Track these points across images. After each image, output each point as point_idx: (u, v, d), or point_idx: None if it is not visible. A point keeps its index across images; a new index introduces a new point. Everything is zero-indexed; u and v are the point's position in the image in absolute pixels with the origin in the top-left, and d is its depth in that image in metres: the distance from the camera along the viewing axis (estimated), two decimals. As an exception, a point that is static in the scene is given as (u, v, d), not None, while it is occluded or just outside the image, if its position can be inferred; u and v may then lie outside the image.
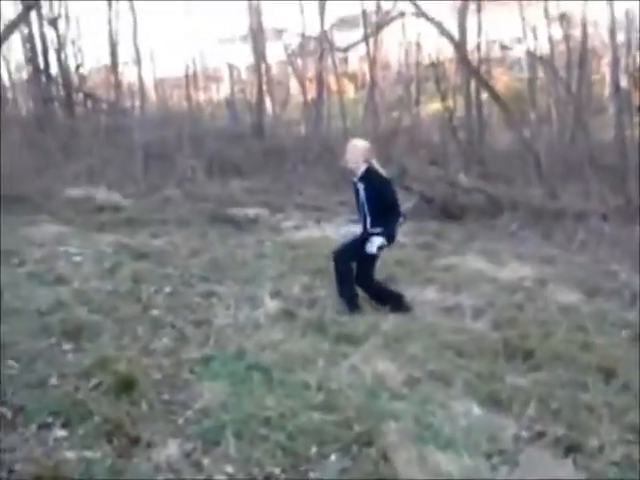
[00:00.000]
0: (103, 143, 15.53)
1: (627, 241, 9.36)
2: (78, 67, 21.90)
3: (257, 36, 22.45)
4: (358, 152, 6.00)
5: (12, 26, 16.55)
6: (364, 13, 22.83)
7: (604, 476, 3.46)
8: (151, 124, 18.02)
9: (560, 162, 15.09)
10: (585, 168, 13.64)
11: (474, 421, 3.84)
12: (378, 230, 5.84)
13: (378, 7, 22.64)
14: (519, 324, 5.68)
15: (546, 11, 20.89)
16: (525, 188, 13.26)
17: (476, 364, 4.73)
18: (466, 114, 19.49)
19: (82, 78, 22.41)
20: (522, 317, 5.92)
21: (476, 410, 4.01)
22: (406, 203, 11.52)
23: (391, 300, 6.01)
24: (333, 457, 3.35)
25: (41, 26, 19.88)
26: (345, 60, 30.21)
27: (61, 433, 3.51)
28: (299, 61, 26.88)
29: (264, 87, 22.69)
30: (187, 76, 26.23)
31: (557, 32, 21.96)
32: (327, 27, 23.64)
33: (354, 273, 5.97)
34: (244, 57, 27.54)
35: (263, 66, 22.96)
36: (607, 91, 24.59)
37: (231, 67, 29.04)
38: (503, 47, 30.28)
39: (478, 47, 20.14)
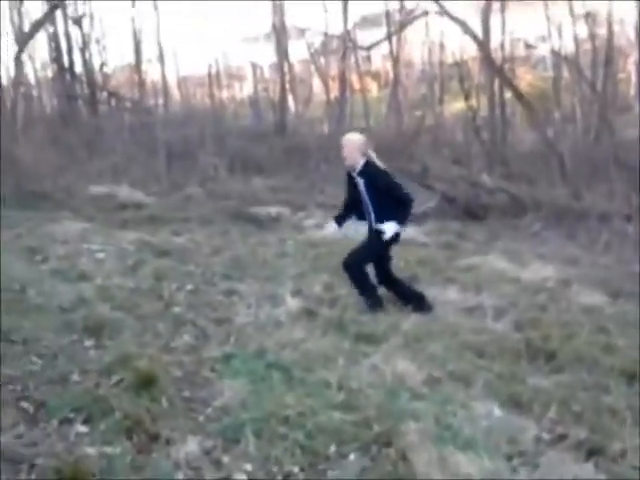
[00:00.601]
0: (126, 141, 15.63)
1: (651, 242, 9.23)
2: (102, 66, 22.08)
3: (280, 35, 22.47)
4: (354, 146, 5.87)
5: (38, 25, 16.72)
6: (387, 12, 22.78)
7: (626, 480, 3.42)
8: (174, 122, 18.11)
9: (584, 162, 14.92)
10: (610, 168, 13.48)
11: (495, 422, 3.81)
12: (385, 226, 5.72)
13: (401, 6, 22.59)
14: (541, 325, 5.62)
15: (571, 9, 20.74)
16: (549, 188, 13.14)
17: (497, 365, 4.70)
18: (489, 113, 19.37)
19: (106, 76, 22.59)
20: (544, 318, 5.86)
21: (497, 411, 3.97)
22: (427, 202, 11.50)
23: (413, 299, 5.94)
24: (352, 456, 3.34)
25: (66, 25, 20.08)
26: (368, 59, 30.13)
27: (82, 429, 3.53)
28: (322, 60, 26.87)
29: (287, 86, 22.72)
30: (210, 75, 26.35)
31: (582, 30, 21.79)
32: (350, 26, 23.64)
33: (369, 276, 5.90)
34: (267, 56, 27.62)
35: (286, 65, 22.99)
36: (633, 90, 24.34)
37: (254, 66, 29.14)
38: (528, 46, 30.05)
39: (502, 46, 20.02)
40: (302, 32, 27.40)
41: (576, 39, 21.41)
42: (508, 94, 18.14)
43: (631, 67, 25.47)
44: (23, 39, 18.08)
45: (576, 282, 7.31)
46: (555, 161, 13.79)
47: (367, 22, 29.20)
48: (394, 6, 23.03)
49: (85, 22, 20.70)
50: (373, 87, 31.66)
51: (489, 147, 17.48)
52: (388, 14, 22.76)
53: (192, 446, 3.38)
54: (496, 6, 19.44)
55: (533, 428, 3.78)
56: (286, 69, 22.94)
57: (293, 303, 5.63)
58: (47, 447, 3.37)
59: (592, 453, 3.57)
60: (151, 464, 3.23)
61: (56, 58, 20.07)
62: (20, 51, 15.97)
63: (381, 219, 5.75)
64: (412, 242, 8.86)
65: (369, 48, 24.14)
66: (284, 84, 22.36)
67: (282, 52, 22.71)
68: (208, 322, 5.04)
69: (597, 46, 21.17)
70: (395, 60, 22.83)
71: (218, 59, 29.97)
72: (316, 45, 27.43)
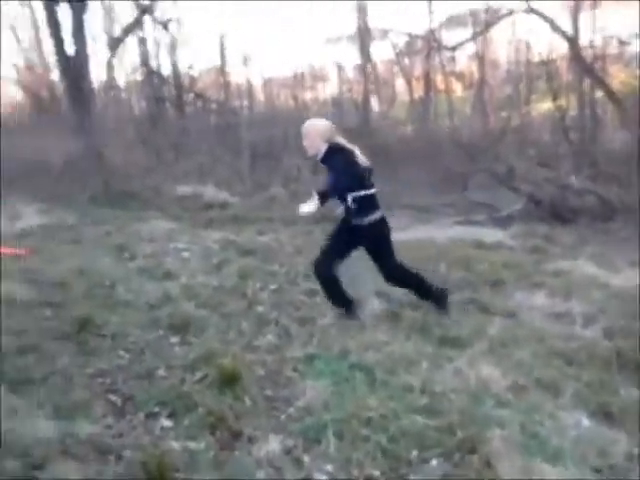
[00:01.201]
0: (212, 142, 15.89)
1: None
2: (189, 68, 22.54)
3: (364, 36, 22.44)
4: (314, 133, 5.25)
5: (128, 30, 17.23)
6: (473, 11, 22.46)
7: None
8: (258, 123, 18.30)
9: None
10: None
11: (583, 433, 3.67)
12: (365, 217, 5.21)
13: (487, 5, 22.23)
14: (633, 334, 5.40)
15: (667, 5, 19.92)
16: (641, 191, 12.65)
17: (586, 373, 4.52)
18: (579, 113, 18.81)
19: (192, 79, 23.02)
20: (636, 326, 5.63)
21: (585, 422, 3.83)
22: (514, 205, 11.25)
23: (431, 295, 5.52)
24: (434, 462, 3.28)
25: (154, 29, 20.62)
26: (453, 59, 29.74)
27: (167, 423, 3.62)
28: (406, 60, 26.69)
29: (370, 86, 22.66)
30: (294, 76, 26.55)
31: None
32: (435, 26, 23.39)
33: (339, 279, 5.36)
34: (351, 56, 27.64)
35: (369, 65, 22.94)
36: None
37: (338, 66, 29.18)
38: (621, 42, 29.03)
39: (592, 43, 19.42)
40: (385, 33, 27.27)
41: (672, 35, 20.55)
42: (598, 93, 17.60)
43: None
44: (114, 44, 18.66)
45: (670, 291, 7.00)
46: (648, 163, 13.26)
47: (452, 22, 28.81)
48: (480, 5, 22.72)
49: (172, 26, 21.21)
50: (458, 87, 31.24)
51: (578, 148, 16.95)
52: (474, 13, 22.44)
53: (273, 445, 3.41)
54: (586, 3, 18.88)
55: (624, 441, 3.61)
56: (370, 69, 22.89)
57: (376, 305, 5.58)
58: (133, 439, 3.46)
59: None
60: (233, 461, 3.27)
61: (145, 61, 20.63)
62: (111, 56, 16.50)
63: (359, 207, 5.19)
64: (498, 245, 8.68)
65: (454, 48, 23.83)
66: (367, 84, 22.32)
67: (366, 53, 22.66)
68: (291, 322, 5.06)
69: (694, 43, 20.29)
70: (480, 60, 22.49)
71: (302, 60, 30.22)
72: (400, 45, 27.26)
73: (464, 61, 32.06)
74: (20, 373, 4.13)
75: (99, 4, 19.04)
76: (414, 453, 3.33)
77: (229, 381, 3.90)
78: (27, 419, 3.56)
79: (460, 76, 31.34)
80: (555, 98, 17.95)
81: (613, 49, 26.69)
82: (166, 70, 21.40)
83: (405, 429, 3.49)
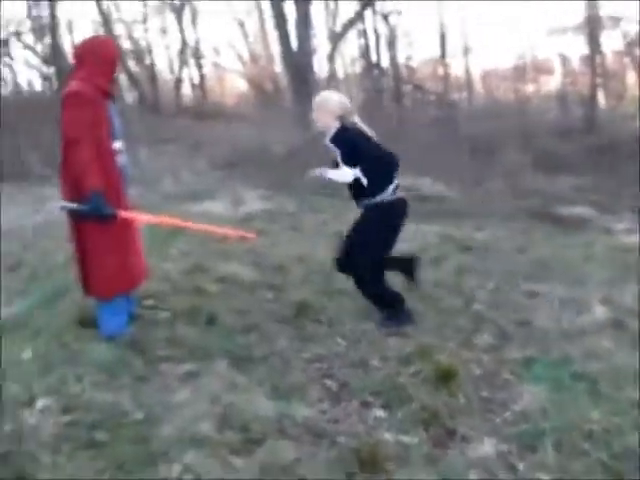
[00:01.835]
0: (430, 134, 15.82)
1: None
2: (408, 60, 22.62)
3: (593, 24, 21.23)
4: (325, 108, 4.76)
5: (350, 24, 17.61)
6: None
7: None
8: (477, 116, 17.98)
9: None
10: None
11: None
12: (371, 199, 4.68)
13: None
14: None
15: None
16: None
17: None
18: None
19: (411, 70, 23.09)
20: None
21: None
22: None
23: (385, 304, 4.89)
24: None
25: (374, 22, 20.90)
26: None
27: (380, 413, 3.64)
28: (637, 51, 24.91)
29: (598, 79, 21.42)
30: (516, 68, 25.76)
31: None
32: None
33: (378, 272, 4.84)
34: (576, 47, 26.32)
35: (598, 57, 21.68)
36: None
37: (562, 58, 27.92)
38: None
39: None
40: (617, 21, 25.62)
41: None
42: None
43: None
44: (335, 37, 19.16)
45: None
46: None
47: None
48: None
49: (393, 18, 21.37)
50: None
51: None
52: None
53: (487, 447, 3.34)
54: None
55: None
56: (598, 61, 21.63)
57: (600, 311, 5.24)
58: (348, 426, 3.52)
59: None
60: (445, 459, 3.24)
61: (364, 54, 20.99)
62: (333, 49, 16.93)
63: (367, 193, 4.67)
64: None
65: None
66: (595, 77, 21.11)
67: (595, 43, 21.44)
68: (509, 322, 4.89)
69: None
70: None
71: (524, 52, 29.25)
72: (632, 35, 25.49)
73: None
74: (242, 351, 4.36)
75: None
76: (637, 475, 3.09)
77: (444, 377, 3.86)
78: (247, 395, 3.74)
79: None
80: None
81: None
82: (385, 62, 21.65)
83: (630, 447, 3.26)
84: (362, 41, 21.20)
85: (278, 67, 23.91)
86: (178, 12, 24.15)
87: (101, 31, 22.12)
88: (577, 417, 3.49)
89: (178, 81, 26.76)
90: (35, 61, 20.14)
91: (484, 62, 30.64)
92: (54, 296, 5.21)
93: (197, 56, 26.78)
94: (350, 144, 4.62)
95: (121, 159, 4.41)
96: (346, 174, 4.60)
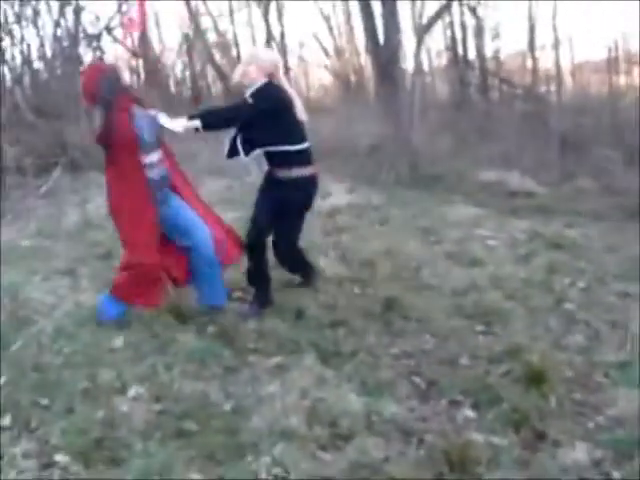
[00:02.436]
0: (517, 128, 15.48)
1: None
2: (495, 52, 22.19)
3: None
4: (256, 63, 4.50)
5: (436, 16, 17.37)
6: None
7: None
8: (567, 110, 17.45)
9: None
10: None
11: None
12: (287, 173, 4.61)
13: None
14: None
15: None
16: None
17: None
18: None
19: (499, 63, 22.64)
20: None
21: None
22: None
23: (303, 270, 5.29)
24: None
25: (461, 14, 20.58)
26: None
27: (470, 413, 3.62)
28: None
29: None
30: (608, 60, 24.89)
31: None
32: None
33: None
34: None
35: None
36: None
37: (658, 49, 26.82)
38: None
39: None
40: None
41: None
42: None
43: None
44: (422, 30, 18.96)
45: None
46: None
47: None
48: None
49: (481, 10, 20.96)
50: None
51: None
52: None
53: (580, 453, 3.26)
54: None
55: None
56: (699, 52, 20.70)
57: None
58: (436, 425, 3.51)
59: None
60: (536, 462, 3.19)
61: (451, 46, 20.71)
62: (419, 42, 16.75)
63: (280, 161, 4.60)
64: None
65: None
66: (694, 69, 20.23)
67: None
68: (601, 323, 4.75)
69: None
70: None
71: (617, 43, 28.21)
72: None
73: None
74: (331, 346, 4.39)
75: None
76: None
77: (535, 379, 3.78)
78: (335, 390, 3.77)
79: None
80: None
81: None
82: (471, 54, 21.31)
83: None
84: (448, 33, 20.94)
85: (363, 60, 23.83)
86: (265, 6, 24.36)
87: (187, 25, 22.58)
88: (676, 425, 3.37)
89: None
90: (125, 55, 20.81)
91: (574, 54, 29.62)
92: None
93: (283, 49, 27.00)
94: (271, 101, 4.47)
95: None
96: (178, 123, 4.38)
